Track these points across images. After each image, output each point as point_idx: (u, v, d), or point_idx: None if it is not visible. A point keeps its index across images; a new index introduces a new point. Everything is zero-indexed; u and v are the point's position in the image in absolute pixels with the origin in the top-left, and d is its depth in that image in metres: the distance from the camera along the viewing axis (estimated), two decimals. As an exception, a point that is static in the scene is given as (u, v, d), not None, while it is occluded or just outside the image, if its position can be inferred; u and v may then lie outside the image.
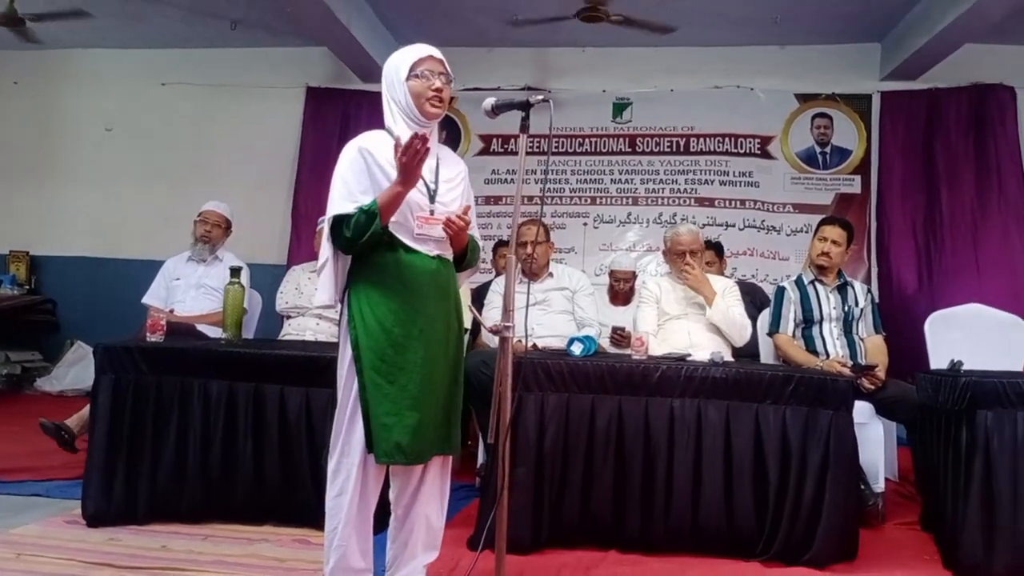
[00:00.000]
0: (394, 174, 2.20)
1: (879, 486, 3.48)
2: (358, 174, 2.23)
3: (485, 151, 6.12)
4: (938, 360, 3.76)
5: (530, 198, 5.96)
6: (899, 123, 5.79)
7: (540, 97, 2.19)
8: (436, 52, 2.31)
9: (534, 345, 3.76)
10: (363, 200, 2.19)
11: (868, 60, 5.91)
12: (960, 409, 2.89)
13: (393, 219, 2.21)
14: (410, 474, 2.33)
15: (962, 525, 2.81)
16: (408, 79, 2.26)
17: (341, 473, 2.22)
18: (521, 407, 2.92)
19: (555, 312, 3.99)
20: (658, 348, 3.64)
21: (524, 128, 2.19)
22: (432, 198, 2.28)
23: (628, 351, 3.69)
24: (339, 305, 2.31)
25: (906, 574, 2.81)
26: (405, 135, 2.27)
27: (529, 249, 3.88)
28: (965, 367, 3.22)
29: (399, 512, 2.38)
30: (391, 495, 2.39)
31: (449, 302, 2.34)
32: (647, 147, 6.02)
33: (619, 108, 6.07)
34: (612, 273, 4.93)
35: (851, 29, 5.68)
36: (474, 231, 2.45)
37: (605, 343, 4.41)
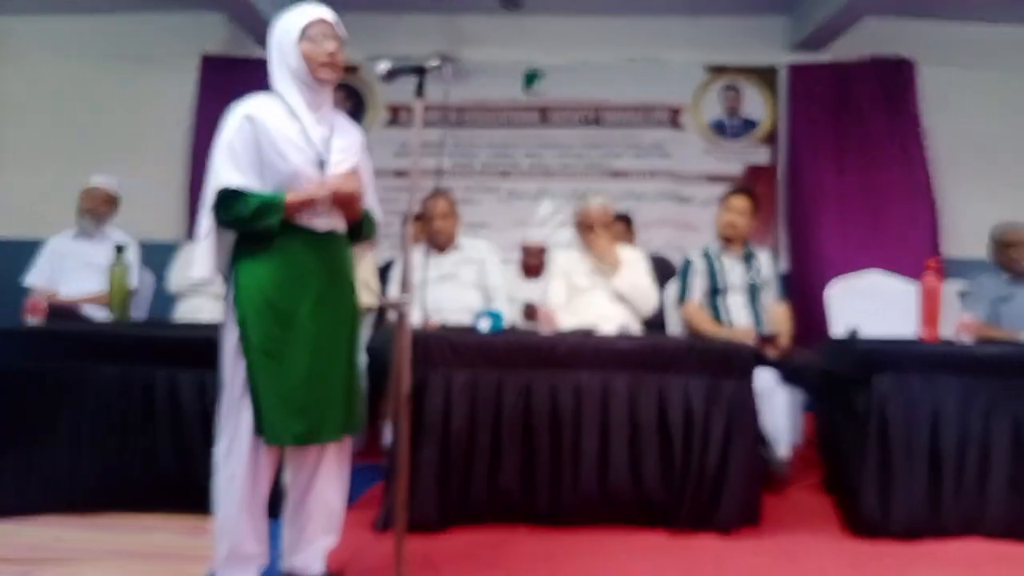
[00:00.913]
0: (282, 145, 2.12)
1: (784, 451, 3.55)
2: (245, 143, 2.13)
3: (393, 122, 5.96)
4: (840, 327, 3.85)
5: (440, 170, 5.87)
6: (805, 94, 5.85)
7: (435, 63, 2.11)
8: (328, 14, 2.21)
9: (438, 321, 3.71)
10: (251, 174, 2.09)
11: (775, 32, 5.96)
12: (858, 375, 2.96)
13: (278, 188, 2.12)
14: (305, 456, 2.25)
15: (860, 487, 2.90)
16: (300, 41, 2.17)
17: (231, 457, 2.12)
18: (427, 384, 2.87)
19: (464, 286, 3.92)
20: (568, 321, 3.61)
21: (420, 94, 2.10)
22: (324, 168, 2.17)
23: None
24: (223, 281, 2.19)
25: (808, 536, 2.88)
26: (297, 100, 2.19)
27: (438, 222, 3.81)
28: (865, 333, 3.30)
29: (295, 496, 2.29)
30: (287, 478, 2.30)
31: (343, 277, 2.25)
32: (560, 120, 5.96)
33: (531, 79, 5.98)
34: (524, 247, 4.89)
35: (759, 1, 5.73)
36: (372, 203, 2.36)
37: (518, 318, 4.39)
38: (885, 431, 2.88)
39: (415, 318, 3.74)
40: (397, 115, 5.97)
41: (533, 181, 5.94)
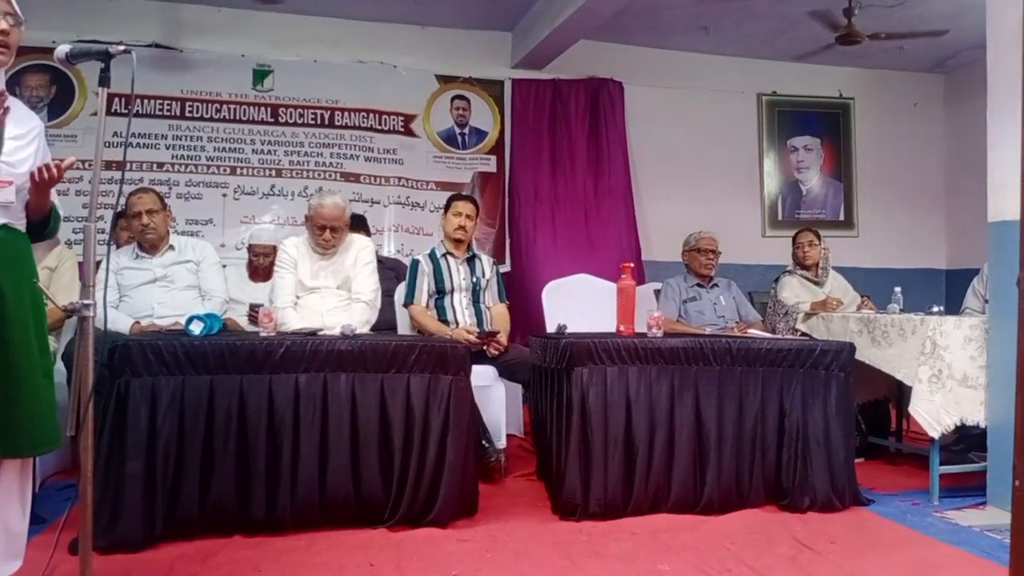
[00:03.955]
0: None
1: (501, 443, 3.75)
2: None
3: (107, 111, 5.47)
4: (553, 325, 4.12)
5: (160, 164, 5.51)
6: (528, 109, 6.25)
7: (122, 48, 1.99)
8: (1, -13, 1.99)
9: (153, 325, 3.48)
10: None
11: (501, 48, 6.28)
12: (562, 368, 3.21)
13: None
14: (-24, 477, 2.01)
15: (565, 472, 3.13)
16: (-38, 16, 1.93)
17: None
18: (129, 393, 2.69)
19: (179, 289, 3.70)
20: (297, 322, 3.54)
21: (104, 81, 1.98)
22: (-7, 158, 1.96)
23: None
24: None
25: (520, 523, 3.06)
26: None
27: (144, 219, 3.57)
28: (575, 330, 3.58)
29: (-34, 522, 2.05)
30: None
31: (22, 278, 2.05)
32: (290, 118, 5.80)
33: (260, 75, 5.77)
34: (251, 248, 4.71)
35: (485, 16, 5.98)
36: (53, 197, 2.17)
37: (243, 321, 4.23)
38: (585, 419, 3.14)
39: (122, 323, 3.51)
40: (110, 103, 5.48)
41: (263, 178, 5.75)
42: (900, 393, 4.07)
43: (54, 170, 2.00)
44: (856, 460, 3.54)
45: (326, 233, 3.63)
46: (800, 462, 3.30)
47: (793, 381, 3.36)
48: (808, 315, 4.39)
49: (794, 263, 4.85)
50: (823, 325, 4.21)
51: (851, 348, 3.49)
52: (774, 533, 2.97)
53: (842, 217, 7.18)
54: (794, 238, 4.89)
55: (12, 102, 2.10)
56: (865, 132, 7.21)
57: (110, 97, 5.72)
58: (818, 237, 4.79)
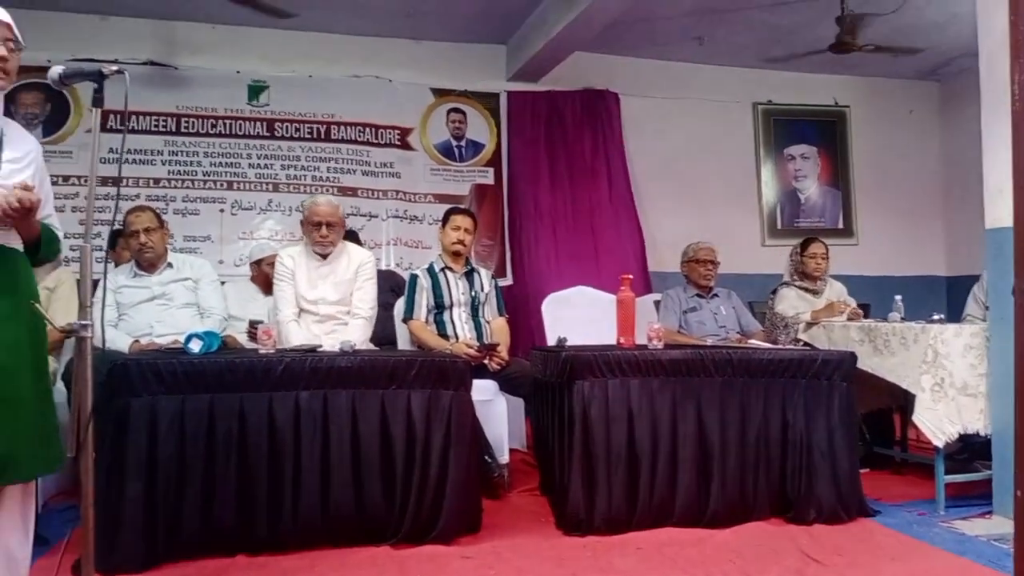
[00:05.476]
0: None
1: (504, 458, 3.73)
2: None
3: (101, 128, 5.45)
4: (554, 338, 4.11)
5: (156, 180, 5.50)
6: (524, 121, 6.26)
7: (115, 68, 2.00)
8: (3, 14, 1.99)
9: (152, 343, 3.47)
10: None
11: (496, 60, 6.30)
12: (563, 381, 3.19)
13: None
14: (-23, 500, 1.99)
15: (568, 486, 3.11)
16: (-36, 43, 1.92)
17: None
18: (128, 414, 2.67)
19: (177, 307, 3.69)
20: (298, 337, 3.52)
21: (97, 102, 1.99)
22: (-7, 182, 1.94)
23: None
24: None
25: (524, 539, 3.03)
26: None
27: (141, 238, 3.55)
28: (576, 343, 3.57)
29: (-33, 548, 2.02)
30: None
31: (19, 298, 2.02)
32: (286, 132, 5.81)
33: (255, 91, 5.78)
34: (261, 261, 4.63)
35: (478, 30, 6.00)
36: (52, 219, 2.16)
37: (243, 338, 4.19)
38: (588, 433, 3.11)
39: (121, 342, 3.49)
40: (106, 120, 5.49)
41: (260, 193, 5.75)
42: (904, 402, 4.05)
43: (14, 203, 1.94)
44: (861, 470, 3.52)
45: (323, 229, 3.68)
46: (805, 473, 3.27)
47: (795, 391, 3.33)
48: (809, 324, 4.37)
49: (792, 273, 4.79)
50: (824, 335, 4.20)
51: (852, 357, 3.48)
52: (780, 546, 2.95)
53: (841, 225, 7.18)
54: (803, 247, 4.74)
55: (9, 124, 2.10)
56: (862, 140, 7.23)
57: (105, 114, 5.72)
58: (827, 249, 4.74)
